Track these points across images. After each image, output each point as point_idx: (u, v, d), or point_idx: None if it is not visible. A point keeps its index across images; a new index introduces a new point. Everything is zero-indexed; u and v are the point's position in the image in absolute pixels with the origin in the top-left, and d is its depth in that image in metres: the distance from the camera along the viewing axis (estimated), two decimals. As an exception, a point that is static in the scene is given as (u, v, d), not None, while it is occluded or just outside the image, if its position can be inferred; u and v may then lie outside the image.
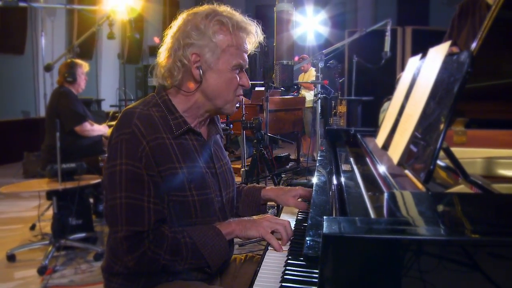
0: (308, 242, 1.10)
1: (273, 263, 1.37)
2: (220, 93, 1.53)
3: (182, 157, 1.49)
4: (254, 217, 1.59)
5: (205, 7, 1.53)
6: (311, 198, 1.70)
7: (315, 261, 1.03)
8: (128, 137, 1.41)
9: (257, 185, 1.92)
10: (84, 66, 4.49)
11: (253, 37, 1.57)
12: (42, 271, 3.38)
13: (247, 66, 1.57)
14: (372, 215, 1.01)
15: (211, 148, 1.64)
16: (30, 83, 8.99)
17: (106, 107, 10.01)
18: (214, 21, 1.48)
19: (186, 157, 1.50)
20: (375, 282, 0.78)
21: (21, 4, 4.31)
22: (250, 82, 1.61)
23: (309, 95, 7.84)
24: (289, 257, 1.34)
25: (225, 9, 1.54)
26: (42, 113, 8.18)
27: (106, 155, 1.48)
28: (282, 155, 7.16)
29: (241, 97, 1.62)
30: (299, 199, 1.82)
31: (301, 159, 7.41)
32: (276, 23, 2.21)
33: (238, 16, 1.54)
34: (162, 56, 1.54)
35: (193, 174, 1.51)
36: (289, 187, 1.89)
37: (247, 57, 1.56)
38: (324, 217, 0.82)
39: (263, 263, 1.37)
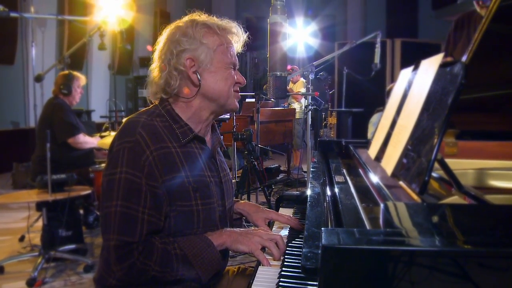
0: (305, 253, 1.10)
1: (266, 275, 1.37)
2: (220, 92, 1.56)
3: (188, 165, 1.50)
4: (247, 229, 1.58)
5: (186, 18, 1.59)
6: (284, 223, 1.74)
7: (313, 272, 1.03)
8: (131, 145, 1.42)
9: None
10: (81, 80, 4.50)
11: (238, 36, 1.64)
12: (31, 283, 3.34)
13: (238, 65, 1.63)
14: (368, 226, 1.02)
15: (216, 157, 1.65)
16: (20, 94, 8.94)
17: (96, 118, 9.96)
18: (200, 26, 1.54)
19: (192, 165, 1.52)
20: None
21: (12, 14, 4.29)
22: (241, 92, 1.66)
23: (297, 106, 7.88)
24: (283, 268, 1.34)
25: (205, 16, 1.60)
26: (32, 123, 8.13)
27: (106, 163, 1.48)
28: (272, 166, 7.16)
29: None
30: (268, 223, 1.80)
31: (291, 170, 7.42)
32: (270, 34, 2.22)
33: (219, 20, 1.61)
34: (155, 72, 1.58)
35: (199, 183, 1.52)
36: (263, 208, 1.86)
37: (236, 56, 1.62)
38: (322, 228, 0.82)
39: (256, 276, 1.37)
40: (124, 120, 1.56)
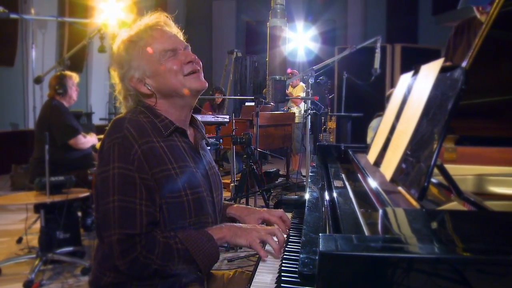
0: (303, 259, 1.09)
1: (264, 280, 1.35)
2: (170, 87, 1.57)
3: (173, 157, 1.52)
4: (246, 225, 1.62)
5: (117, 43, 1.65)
6: (274, 223, 1.73)
7: (311, 279, 1.02)
8: (120, 140, 1.44)
9: (225, 202, 1.90)
10: (74, 77, 4.49)
11: (159, 24, 1.64)
12: (28, 285, 3.33)
13: (178, 44, 1.61)
14: (366, 232, 1.01)
15: (200, 151, 1.67)
16: (20, 95, 8.94)
17: (95, 120, 9.96)
18: (123, 45, 1.60)
19: (177, 158, 1.53)
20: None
21: (13, 16, 4.29)
22: (195, 57, 1.61)
23: (296, 110, 7.88)
24: (282, 274, 1.33)
25: (131, 28, 1.65)
26: (31, 125, 8.13)
27: (98, 163, 1.50)
28: (271, 170, 7.15)
29: (197, 68, 1.62)
30: (264, 223, 1.80)
31: (290, 174, 7.41)
32: (269, 38, 2.22)
33: (139, 25, 1.64)
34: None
35: (186, 174, 1.53)
36: (255, 208, 1.87)
37: (172, 39, 1.61)
38: (320, 234, 0.81)
39: (253, 281, 1.36)
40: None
